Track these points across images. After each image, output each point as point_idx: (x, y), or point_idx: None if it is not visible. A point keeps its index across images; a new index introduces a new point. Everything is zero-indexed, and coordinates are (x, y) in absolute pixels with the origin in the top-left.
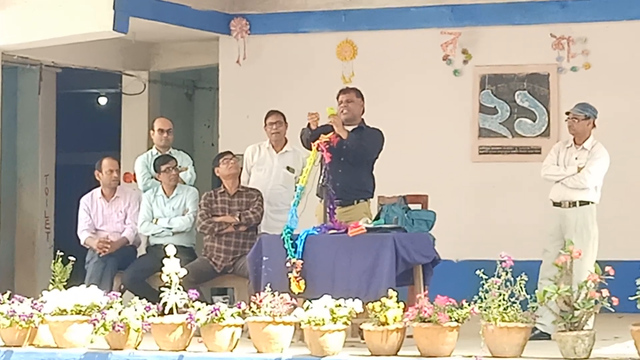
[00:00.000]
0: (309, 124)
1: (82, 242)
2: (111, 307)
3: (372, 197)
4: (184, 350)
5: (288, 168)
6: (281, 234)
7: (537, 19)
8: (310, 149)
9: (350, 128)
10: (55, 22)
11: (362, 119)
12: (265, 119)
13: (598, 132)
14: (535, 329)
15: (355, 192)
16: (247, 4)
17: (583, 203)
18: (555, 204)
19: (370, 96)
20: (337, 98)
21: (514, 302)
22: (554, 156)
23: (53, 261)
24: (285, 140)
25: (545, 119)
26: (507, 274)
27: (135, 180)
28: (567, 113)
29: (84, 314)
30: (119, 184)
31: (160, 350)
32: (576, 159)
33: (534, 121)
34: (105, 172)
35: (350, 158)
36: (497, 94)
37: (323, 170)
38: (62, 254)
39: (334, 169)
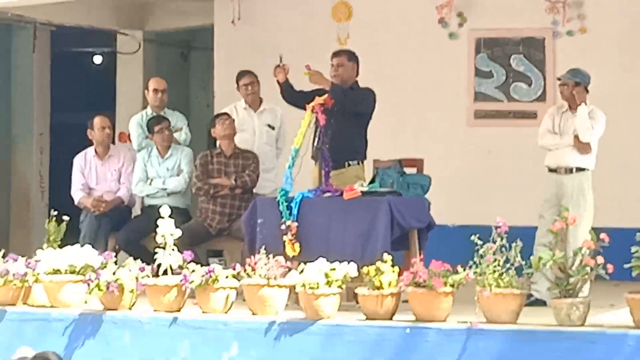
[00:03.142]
0: (277, 81)
1: (75, 202)
2: (105, 267)
3: (364, 159)
4: (178, 311)
5: (269, 126)
6: (276, 197)
7: None
8: (297, 106)
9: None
10: None
11: (356, 81)
12: (238, 80)
13: (593, 98)
14: (531, 295)
15: (346, 154)
16: None
17: (579, 169)
18: (550, 170)
19: (365, 58)
20: (331, 60)
21: (509, 268)
22: (549, 122)
23: (47, 220)
24: (260, 99)
25: (541, 84)
26: (502, 240)
27: (130, 140)
28: (559, 79)
29: (78, 274)
30: (113, 142)
31: (154, 311)
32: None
33: (530, 86)
34: (97, 129)
35: (338, 106)
36: (493, 57)
37: (318, 133)
38: (56, 213)
39: (325, 131)
